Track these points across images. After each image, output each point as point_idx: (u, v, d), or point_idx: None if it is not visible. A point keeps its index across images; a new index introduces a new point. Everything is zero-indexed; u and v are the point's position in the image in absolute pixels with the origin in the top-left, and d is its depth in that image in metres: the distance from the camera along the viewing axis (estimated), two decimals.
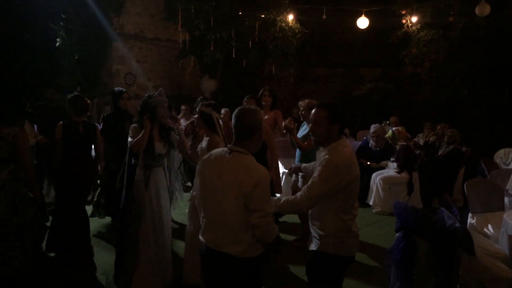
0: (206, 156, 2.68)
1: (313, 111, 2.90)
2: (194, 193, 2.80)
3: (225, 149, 2.61)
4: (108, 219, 5.88)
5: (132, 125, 4.03)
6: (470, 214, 5.10)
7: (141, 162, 3.92)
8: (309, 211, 2.93)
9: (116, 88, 5.97)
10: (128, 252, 3.92)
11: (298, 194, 2.78)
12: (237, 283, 2.55)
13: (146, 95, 4.14)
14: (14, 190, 3.86)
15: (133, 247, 3.90)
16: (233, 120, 2.61)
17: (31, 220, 4.02)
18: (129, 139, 3.95)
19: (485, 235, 4.63)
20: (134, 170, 3.96)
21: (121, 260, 4.02)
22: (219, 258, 2.52)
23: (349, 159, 2.79)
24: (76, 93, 5.42)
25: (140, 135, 3.86)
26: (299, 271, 4.54)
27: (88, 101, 5.23)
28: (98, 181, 6.11)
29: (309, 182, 2.76)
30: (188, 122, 6.90)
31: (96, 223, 5.82)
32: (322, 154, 2.86)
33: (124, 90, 5.87)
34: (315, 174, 2.76)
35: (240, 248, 2.49)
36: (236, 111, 2.62)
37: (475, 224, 4.91)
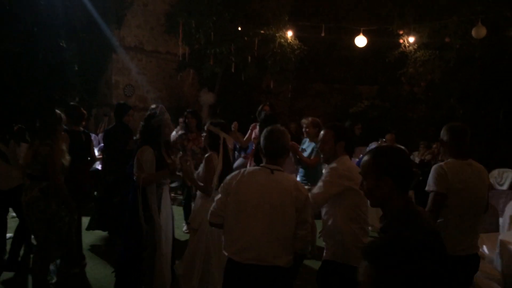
0: (238, 176, 2.75)
1: (322, 131, 3.19)
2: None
3: (258, 168, 2.78)
4: (101, 233, 5.87)
5: (146, 148, 3.86)
6: None
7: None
8: (322, 221, 3.12)
9: (122, 103, 5.98)
10: (133, 268, 3.87)
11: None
12: None
13: (148, 114, 4.03)
14: (42, 207, 3.88)
15: (150, 269, 3.86)
16: (264, 141, 2.79)
17: (67, 236, 4.08)
18: (138, 162, 3.81)
19: (480, 256, 4.67)
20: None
21: (123, 282, 3.94)
22: (268, 272, 2.62)
23: (349, 168, 3.00)
24: (72, 103, 5.47)
25: (154, 176, 3.81)
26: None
27: (84, 112, 5.27)
28: (96, 193, 6.14)
29: (315, 187, 3.02)
30: (177, 134, 6.96)
31: (92, 236, 5.81)
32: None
33: (131, 106, 5.91)
34: (320, 181, 3.03)
35: (289, 258, 2.67)
36: (267, 132, 2.80)
37: None
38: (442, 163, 3.23)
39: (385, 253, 1.39)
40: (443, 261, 1.70)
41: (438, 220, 3.11)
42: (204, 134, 4.22)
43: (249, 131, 6.42)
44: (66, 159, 4.09)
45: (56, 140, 3.99)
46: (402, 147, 6.77)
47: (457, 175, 3.10)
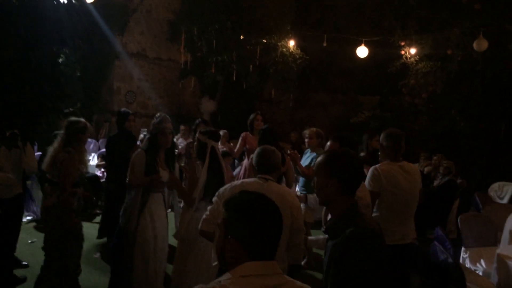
0: (237, 185, 2.84)
1: (328, 143, 3.50)
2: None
3: (252, 179, 2.95)
4: (96, 240, 5.90)
5: (139, 152, 4.01)
6: (463, 248, 5.12)
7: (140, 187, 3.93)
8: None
9: (122, 109, 5.99)
10: (122, 275, 3.90)
11: None
12: None
13: (152, 122, 4.12)
14: (59, 214, 3.90)
15: (127, 271, 3.88)
16: (257, 158, 2.99)
17: (78, 243, 4.10)
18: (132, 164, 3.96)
19: (478, 270, 4.65)
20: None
21: (115, 282, 4.00)
22: None
23: (366, 193, 3.25)
24: (67, 110, 5.48)
25: (143, 180, 3.89)
26: None
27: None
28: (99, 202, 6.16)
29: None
30: (186, 142, 6.97)
31: (87, 242, 5.79)
32: None
33: (131, 111, 5.91)
34: None
35: (282, 267, 2.68)
36: (260, 150, 3.02)
37: (468, 258, 4.93)
38: (377, 165, 3.66)
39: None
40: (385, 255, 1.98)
41: (374, 214, 3.56)
42: (192, 141, 4.21)
43: (240, 140, 6.27)
44: (86, 167, 4.11)
45: (77, 148, 4.02)
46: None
47: (389, 176, 3.57)
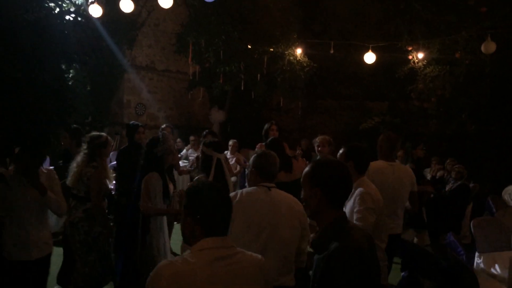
0: (236, 196, 2.77)
1: (340, 150, 3.58)
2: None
3: (254, 188, 2.82)
4: None
5: (152, 174, 3.81)
6: (477, 254, 5.05)
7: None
8: None
9: (132, 122, 6.01)
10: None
11: None
12: None
13: (150, 140, 4.03)
14: (86, 228, 3.95)
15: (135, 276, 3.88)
16: (262, 162, 2.87)
17: (105, 258, 4.12)
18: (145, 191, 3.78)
19: (492, 275, 4.58)
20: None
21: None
22: None
23: (376, 191, 3.24)
24: (75, 126, 5.54)
25: (158, 211, 3.81)
26: None
27: None
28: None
29: (356, 215, 3.07)
30: (197, 154, 7.00)
31: None
32: None
33: (140, 124, 5.92)
34: (357, 208, 3.10)
35: (291, 275, 2.75)
36: (264, 154, 2.92)
37: (482, 263, 4.86)
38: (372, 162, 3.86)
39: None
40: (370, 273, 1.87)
41: None
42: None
43: (256, 150, 6.34)
44: (111, 181, 4.15)
45: (100, 162, 4.08)
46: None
47: (378, 173, 3.94)
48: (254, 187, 2.83)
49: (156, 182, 3.81)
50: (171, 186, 4.04)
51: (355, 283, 1.79)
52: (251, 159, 2.93)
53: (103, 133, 4.32)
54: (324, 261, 1.86)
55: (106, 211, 4.42)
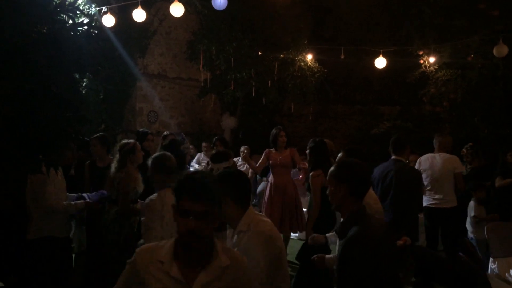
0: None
1: (339, 154, 3.89)
2: None
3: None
4: None
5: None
6: (491, 259, 5.00)
7: None
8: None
9: (141, 129, 6.10)
10: None
11: None
12: None
13: (169, 142, 4.17)
14: (117, 229, 4.19)
15: None
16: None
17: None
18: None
19: (507, 281, 4.53)
20: None
21: None
22: None
23: (376, 200, 3.42)
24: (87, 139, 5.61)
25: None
26: None
27: None
28: None
29: None
30: (207, 160, 7.05)
31: None
32: None
33: (149, 131, 6.01)
34: None
35: None
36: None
37: (496, 269, 4.81)
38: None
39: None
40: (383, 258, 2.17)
41: None
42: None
43: (263, 156, 6.33)
44: (140, 185, 4.35)
45: (131, 168, 4.33)
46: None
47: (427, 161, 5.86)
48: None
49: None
50: None
51: (368, 263, 2.05)
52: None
53: (131, 140, 4.59)
54: (344, 244, 2.17)
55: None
